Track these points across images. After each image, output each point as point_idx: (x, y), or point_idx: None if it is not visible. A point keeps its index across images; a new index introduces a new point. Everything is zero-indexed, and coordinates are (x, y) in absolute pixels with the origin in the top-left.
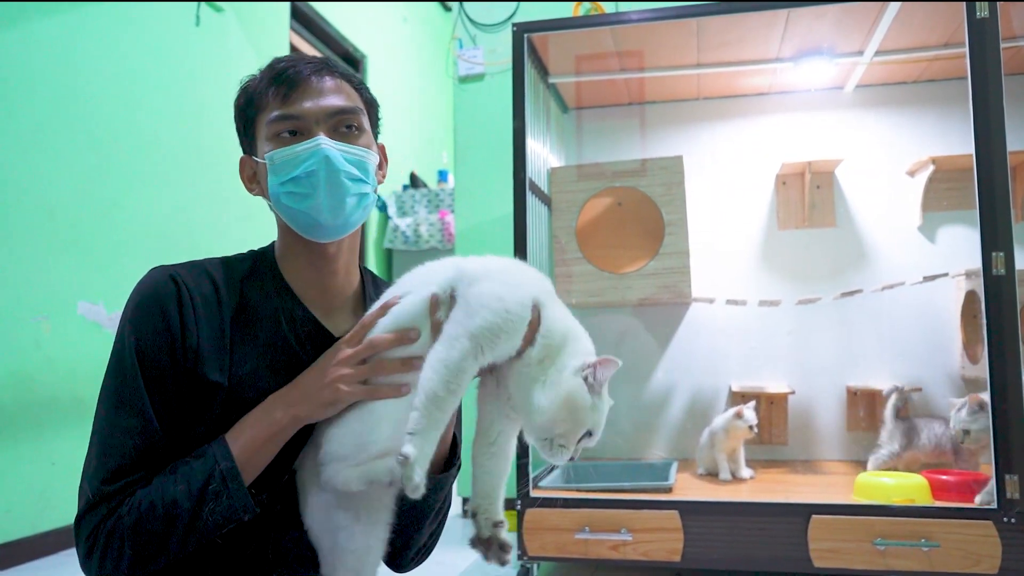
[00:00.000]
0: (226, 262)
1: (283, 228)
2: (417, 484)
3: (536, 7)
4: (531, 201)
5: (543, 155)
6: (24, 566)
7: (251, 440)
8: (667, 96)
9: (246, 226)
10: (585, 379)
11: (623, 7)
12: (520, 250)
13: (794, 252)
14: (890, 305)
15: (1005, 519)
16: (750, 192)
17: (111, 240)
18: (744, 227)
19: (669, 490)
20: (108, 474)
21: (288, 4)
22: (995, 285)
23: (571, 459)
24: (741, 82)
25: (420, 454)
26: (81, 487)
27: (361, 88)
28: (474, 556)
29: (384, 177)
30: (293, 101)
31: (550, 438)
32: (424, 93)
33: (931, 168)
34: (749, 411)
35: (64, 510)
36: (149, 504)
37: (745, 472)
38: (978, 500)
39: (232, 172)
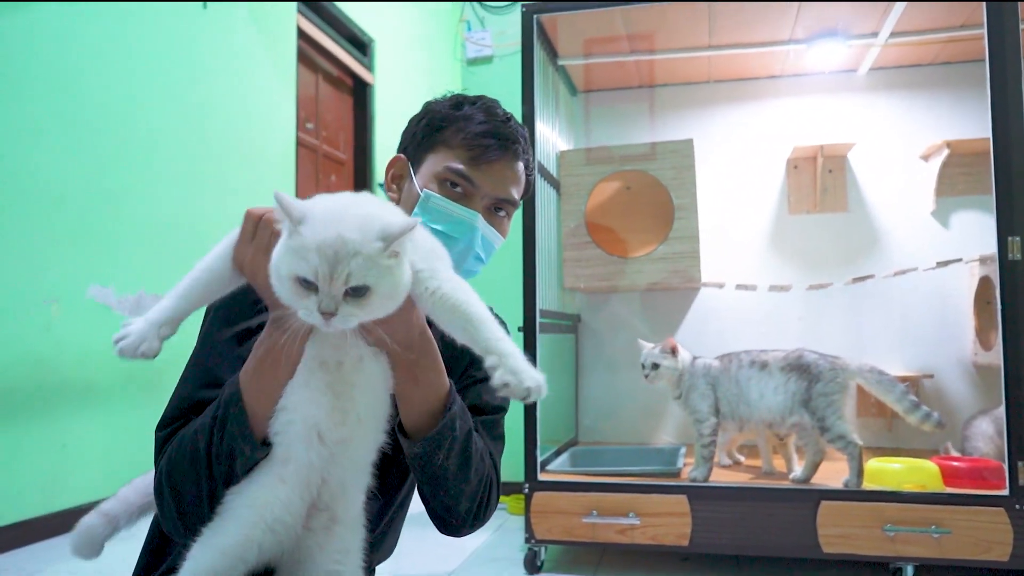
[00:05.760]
0: None
1: None
2: (527, 387)
3: None
4: (540, 185)
5: (552, 138)
6: (35, 545)
7: (251, 365)
8: (678, 79)
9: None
10: None
11: None
12: (529, 235)
13: (805, 237)
14: (902, 291)
15: (1017, 506)
16: (761, 176)
17: (120, 225)
18: (755, 211)
19: (677, 474)
20: (162, 422)
21: None
22: (1011, 270)
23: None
24: (753, 64)
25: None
26: None
27: (530, 175)
28: (480, 539)
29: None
30: (481, 169)
31: None
32: (432, 76)
33: (946, 152)
34: None
35: (75, 491)
36: (179, 440)
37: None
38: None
39: (239, 158)
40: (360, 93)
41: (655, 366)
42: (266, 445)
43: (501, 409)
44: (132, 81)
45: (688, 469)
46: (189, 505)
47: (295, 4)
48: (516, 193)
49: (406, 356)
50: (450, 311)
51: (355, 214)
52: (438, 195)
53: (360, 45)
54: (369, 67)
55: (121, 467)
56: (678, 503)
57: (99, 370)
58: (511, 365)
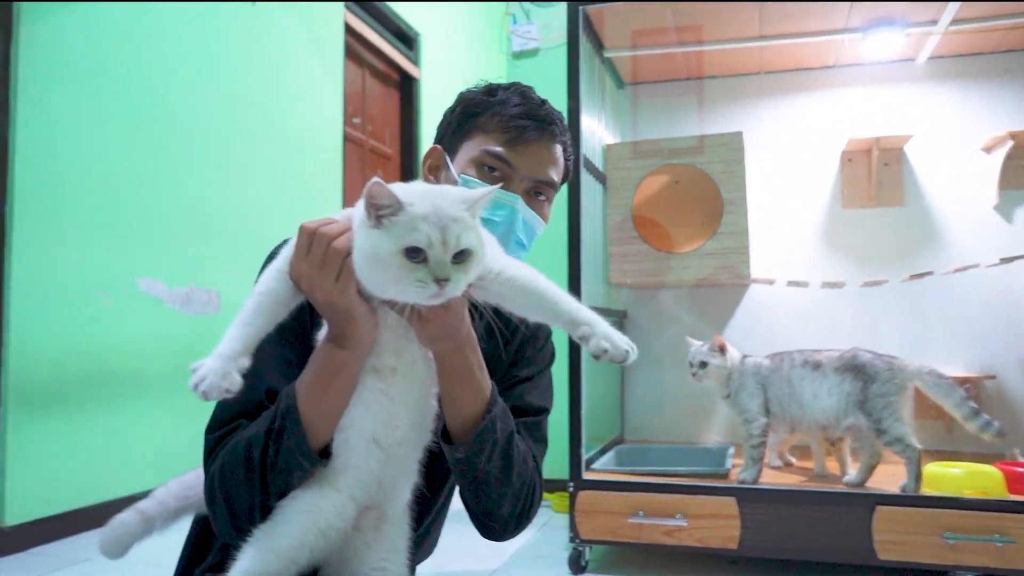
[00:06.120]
0: None
1: None
2: (625, 350)
3: None
4: (586, 179)
5: (598, 132)
6: (90, 533)
7: (310, 379)
8: (727, 70)
9: (299, 209)
10: None
11: None
12: (574, 229)
13: (860, 232)
14: (962, 288)
15: None
16: (814, 169)
17: (170, 218)
18: (807, 206)
19: (726, 475)
20: (213, 424)
21: None
22: None
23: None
24: (805, 55)
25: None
26: None
27: (569, 159)
28: (524, 538)
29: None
30: (518, 151)
31: None
32: (478, 70)
33: (1009, 144)
34: None
35: (126, 480)
36: (232, 448)
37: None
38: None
39: (287, 153)
40: (406, 87)
41: (703, 364)
42: (323, 457)
43: (544, 410)
44: (182, 77)
45: (737, 470)
46: (241, 511)
47: (342, 1)
48: (555, 175)
49: (453, 356)
50: (520, 290)
51: (433, 191)
52: (475, 179)
53: (406, 40)
54: (415, 61)
55: (171, 456)
56: (727, 505)
57: (149, 361)
58: (603, 331)
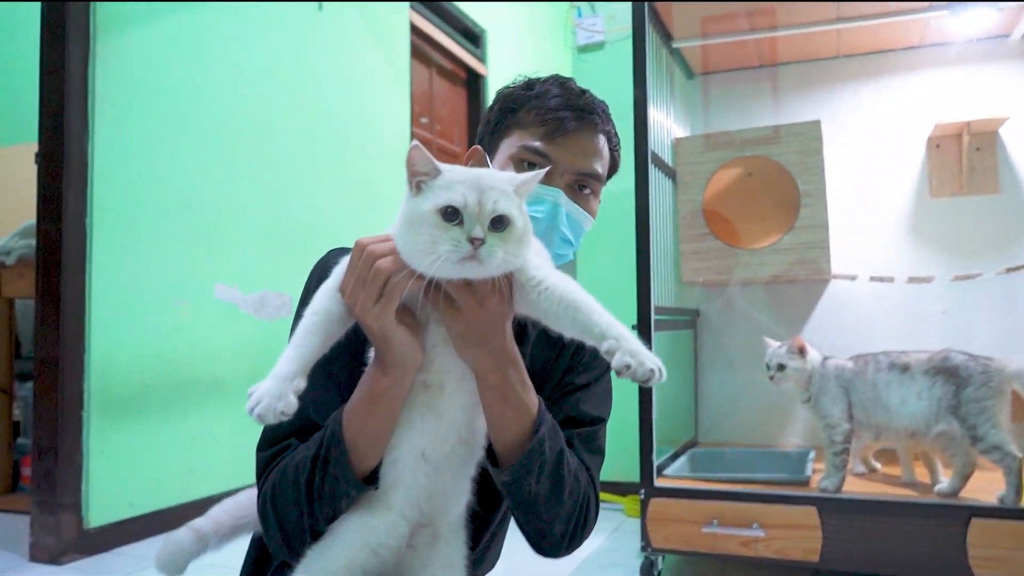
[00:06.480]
0: None
1: None
2: (649, 368)
3: None
4: (654, 174)
5: (667, 125)
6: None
7: (355, 404)
8: (802, 55)
9: (368, 212)
10: None
11: None
12: (642, 226)
13: (949, 222)
14: None
15: None
16: (898, 157)
17: (243, 225)
18: (891, 196)
19: (806, 483)
20: (263, 442)
21: None
22: None
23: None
24: (888, 35)
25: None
26: None
27: (614, 150)
28: (595, 543)
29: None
30: (557, 143)
31: None
32: (544, 66)
33: None
34: None
35: (206, 482)
36: (282, 471)
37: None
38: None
39: (356, 156)
40: (473, 85)
41: (781, 367)
42: (370, 483)
43: (600, 420)
44: (253, 85)
45: (818, 477)
46: (293, 532)
47: (407, 1)
48: (599, 167)
49: (491, 373)
50: (557, 301)
51: (478, 170)
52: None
53: (472, 37)
54: (482, 59)
55: (248, 458)
56: (807, 515)
57: (226, 365)
58: (629, 347)
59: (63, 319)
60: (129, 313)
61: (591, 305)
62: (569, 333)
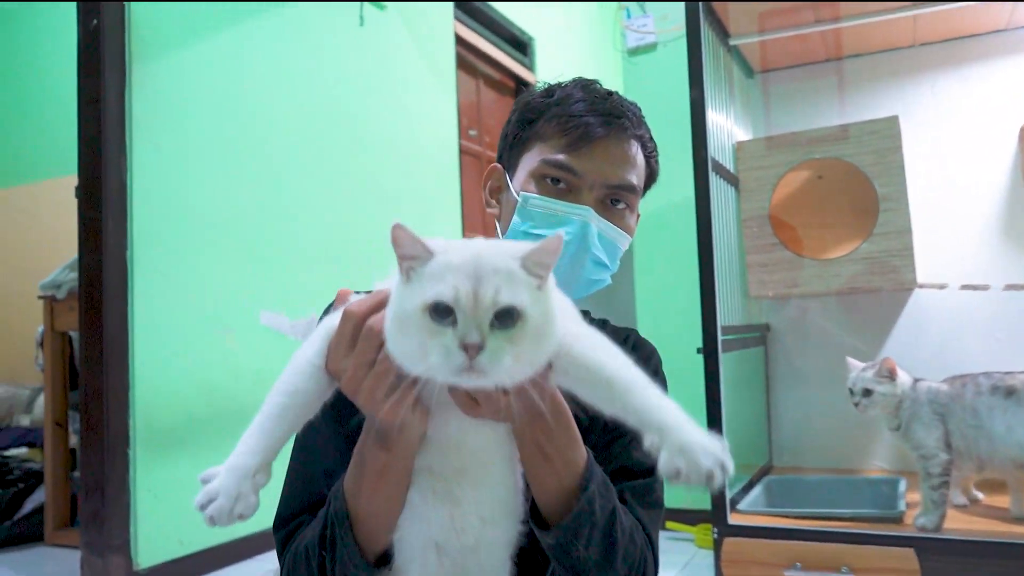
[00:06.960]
0: None
1: None
2: (708, 469)
3: None
4: (715, 182)
5: (727, 128)
6: (223, 570)
7: (355, 478)
8: (873, 47)
9: (419, 222)
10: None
11: None
12: (704, 237)
13: None
14: None
15: None
16: (986, 152)
17: (287, 247)
18: (980, 196)
19: (900, 519)
20: (278, 521)
21: None
22: None
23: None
24: (970, 19)
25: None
26: None
27: (651, 157)
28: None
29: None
30: (582, 154)
31: None
32: (594, 70)
33: None
34: None
35: (258, 516)
36: (294, 552)
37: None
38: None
39: (403, 172)
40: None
41: (867, 392)
42: (383, 563)
43: (655, 470)
44: (293, 105)
45: (913, 511)
46: None
47: (451, 11)
48: (633, 177)
49: (535, 430)
50: (586, 370)
51: (486, 242)
52: (536, 195)
53: (519, 45)
54: (530, 67)
55: None
56: (904, 557)
57: None
58: (678, 441)
59: (106, 352)
60: (173, 344)
61: (627, 378)
62: (608, 412)
